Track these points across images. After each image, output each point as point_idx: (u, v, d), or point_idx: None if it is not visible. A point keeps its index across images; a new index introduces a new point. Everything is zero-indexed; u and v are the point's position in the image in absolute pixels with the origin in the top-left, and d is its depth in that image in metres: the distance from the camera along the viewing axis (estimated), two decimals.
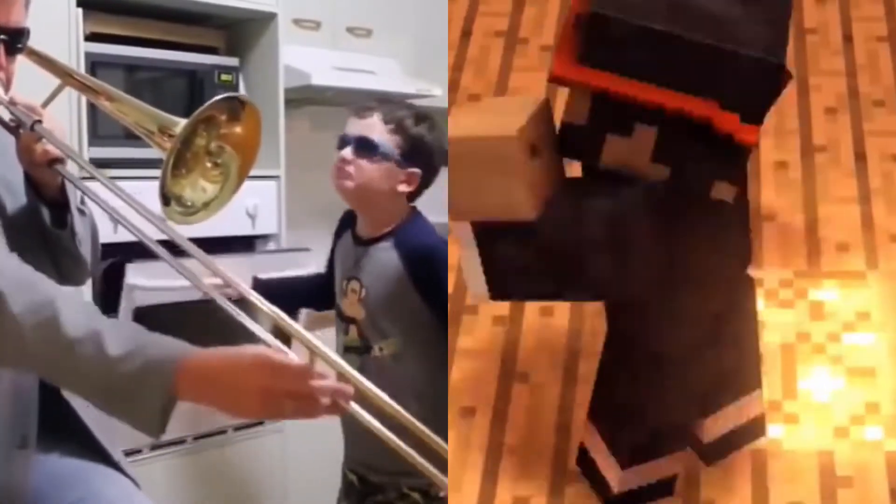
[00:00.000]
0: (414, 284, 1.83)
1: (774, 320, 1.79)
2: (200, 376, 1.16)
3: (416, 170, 1.89)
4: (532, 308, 1.84)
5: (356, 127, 1.89)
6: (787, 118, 2.09)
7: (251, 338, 1.22)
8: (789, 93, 2.13)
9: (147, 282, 2.20)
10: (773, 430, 1.65)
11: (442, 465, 1.20)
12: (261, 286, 1.97)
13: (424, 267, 1.83)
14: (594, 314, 1.79)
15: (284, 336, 1.22)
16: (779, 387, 1.71)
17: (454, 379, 1.76)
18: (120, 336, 1.18)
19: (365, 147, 1.85)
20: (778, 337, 1.77)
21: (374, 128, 1.87)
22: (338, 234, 2.03)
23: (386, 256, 1.86)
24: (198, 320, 2.34)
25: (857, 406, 1.68)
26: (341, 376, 1.19)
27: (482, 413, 1.70)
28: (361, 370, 1.82)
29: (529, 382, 1.74)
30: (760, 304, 1.80)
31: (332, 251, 2.04)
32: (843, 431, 1.65)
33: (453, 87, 2.21)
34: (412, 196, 1.92)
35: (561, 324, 1.83)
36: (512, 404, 1.72)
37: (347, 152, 1.86)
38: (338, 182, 1.88)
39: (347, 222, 1.99)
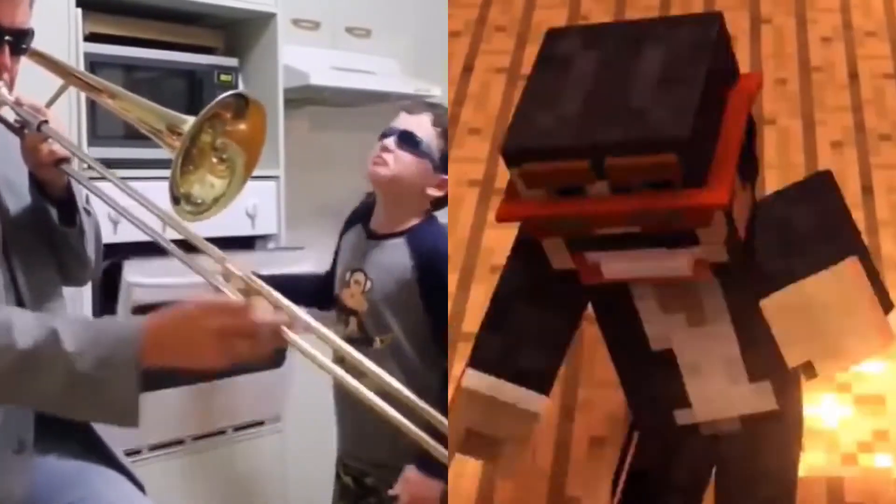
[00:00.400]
0: (419, 284, 1.83)
1: None
2: (160, 338, 1.21)
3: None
4: None
5: (404, 121, 1.89)
6: (793, 152, 2.08)
7: None
8: (794, 128, 2.15)
9: (145, 279, 2.19)
10: None
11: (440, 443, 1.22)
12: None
13: (433, 270, 1.83)
14: (592, 342, 1.77)
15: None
16: None
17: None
18: (74, 330, 1.21)
19: (408, 140, 1.86)
20: None
21: (423, 125, 1.88)
22: (346, 227, 2.00)
23: (397, 253, 1.86)
24: None
25: (865, 433, 1.66)
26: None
27: None
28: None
29: None
30: None
31: (338, 247, 2.02)
32: (851, 458, 1.63)
33: (453, 120, 2.20)
34: (435, 206, 1.92)
35: None
36: None
37: (390, 142, 1.87)
38: (373, 169, 1.87)
39: (360, 216, 1.98)
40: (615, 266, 1.27)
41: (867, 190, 2.02)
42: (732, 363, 1.35)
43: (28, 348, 1.19)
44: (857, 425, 1.68)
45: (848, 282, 1.28)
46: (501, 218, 1.25)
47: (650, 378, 1.37)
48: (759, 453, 1.41)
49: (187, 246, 1.30)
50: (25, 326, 1.21)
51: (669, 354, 1.35)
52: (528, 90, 1.27)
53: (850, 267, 1.28)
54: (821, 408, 1.70)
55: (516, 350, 1.35)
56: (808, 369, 1.31)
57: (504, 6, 2.47)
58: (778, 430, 1.39)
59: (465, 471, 1.63)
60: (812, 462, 1.63)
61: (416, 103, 1.93)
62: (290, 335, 1.21)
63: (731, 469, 1.42)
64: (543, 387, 1.36)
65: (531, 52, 2.30)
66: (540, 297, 1.35)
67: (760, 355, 1.35)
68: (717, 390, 1.37)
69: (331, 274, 2.05)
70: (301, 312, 1.24)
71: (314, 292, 2.07)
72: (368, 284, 1.87)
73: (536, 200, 1.23)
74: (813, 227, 1.31)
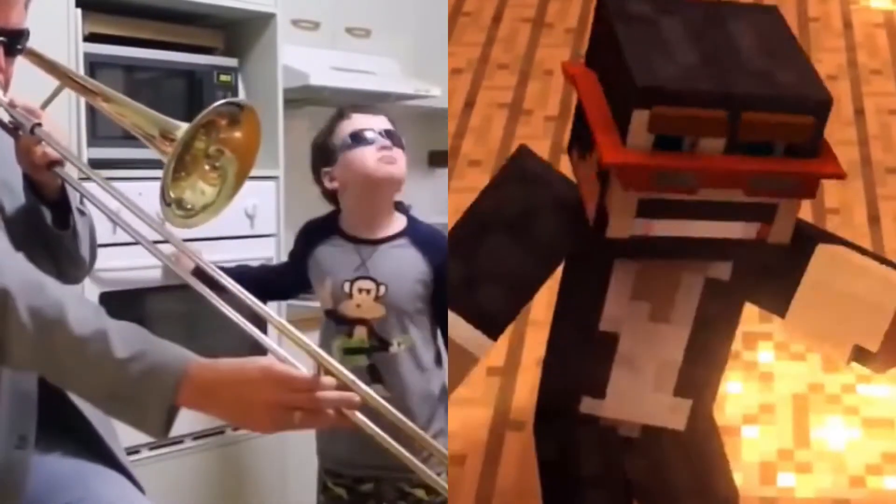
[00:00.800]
0: (434, 281, 1.86)
1: (785, 372, 1.77)
2: (206, 387, 1.17)
3: None
4: (527, 359, 1.81)
5: (374, 121, 1.92)
6: None
7: (226, 325, 1.22)
8: None
9: (109, 263, 2.18)
10: (785, 479, 1.61)
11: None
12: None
13: (442, 252, 1.84)
14: None
15: (260, 321, 1.24)
16: (790, 435, 1.67)
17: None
18: (126, 338, 1.19)
19: (394, 137, 1.91)
20: (789, 387, 1.74)
21: (388, 121, 1.94)
22: (312, 241, 1.99)
23: (406, 253, 1.89)
24: (163, 306, 2.34)
25: (873, 456, 1.65)
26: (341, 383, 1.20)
27: (473, 460, 1.67)
28: (373, 370, 1.85)
29: (524, 431, 1.70)
30: (770, 356, 1.78)
31: (302, 255, 2.01)
32: (859, 481, 1.62)
33: (454, 153, 2.21)
34: None
35: None
36: (504, 452, 1.69)
37: (385, 142, 1.89)
38: (388, 170, 1.88)
39: (324, 230, 1.98)
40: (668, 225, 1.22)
41: (874, 220, 2.02)
42: (667, 369, 1.32)
43: (80, 336, 1.17)
44: (865, 448, 1.67)
45: (828, 262, 1.25)
46: (610, 161, 1.15)
47: (580, 357, 1.33)
48: (666, 469, 1.38)
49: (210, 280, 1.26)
50: (80, 316, 1.19)
51: (612, 339, 1.31)
52: (625, 40, 1.18)
53: (823, 250, 1.26)
54: (826, 430, 1.69)
55: (478, 283, 1.27)
56: (865, 355, 1.26)
57: (507, 45, 2.47)
58: (680, 452, 1.36)
59: (465, 473, 1.64)
60: (819, 484, 1.62)
61: (359, 104, 1.96)
62: (357, 417, 1.18)
63: (643, 477, 1.39)
64: (494, 331, 1.29)
65: (533, 89, 2.35)
66: (525, 232, 1.28)
67: (699, 372, 1.32)
68: (638, 391, 1.33)
69: (283, 269, 2.10)
70: (370, 390, 1.20)
71: (271, 284, 2.08)
72: (383, 290, 1.87)
73: (642, 150, 1.15)
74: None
